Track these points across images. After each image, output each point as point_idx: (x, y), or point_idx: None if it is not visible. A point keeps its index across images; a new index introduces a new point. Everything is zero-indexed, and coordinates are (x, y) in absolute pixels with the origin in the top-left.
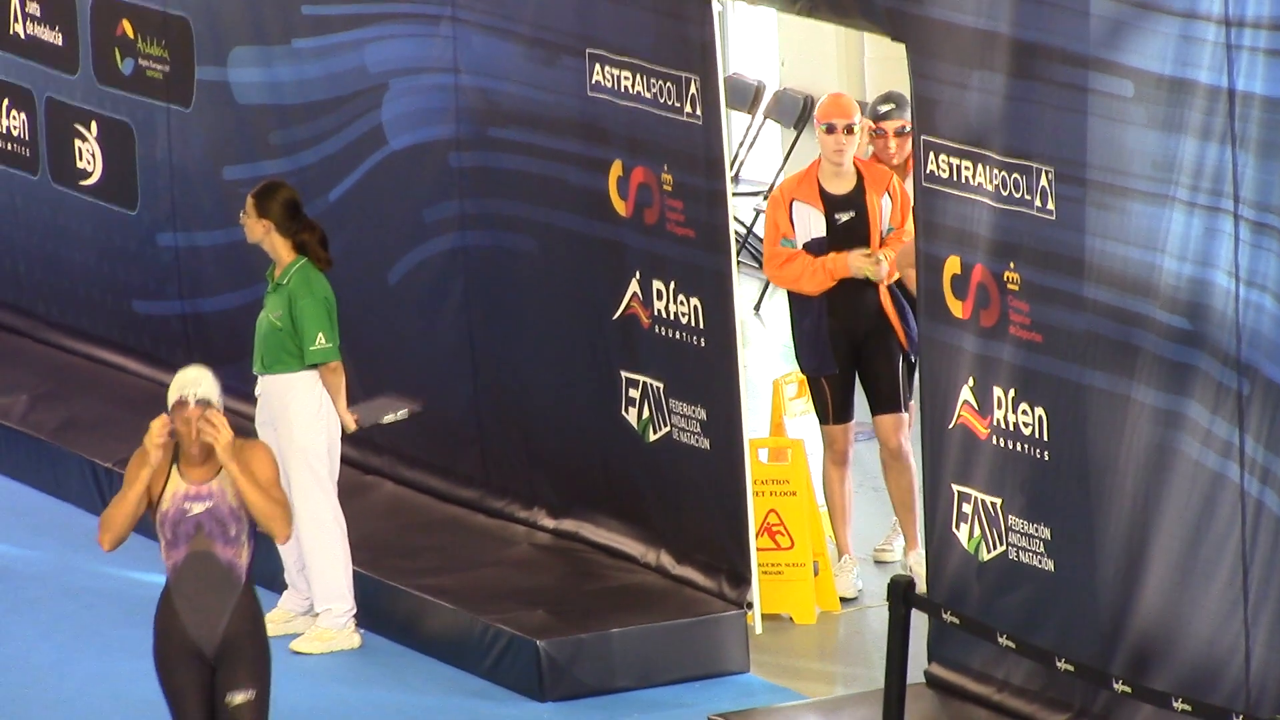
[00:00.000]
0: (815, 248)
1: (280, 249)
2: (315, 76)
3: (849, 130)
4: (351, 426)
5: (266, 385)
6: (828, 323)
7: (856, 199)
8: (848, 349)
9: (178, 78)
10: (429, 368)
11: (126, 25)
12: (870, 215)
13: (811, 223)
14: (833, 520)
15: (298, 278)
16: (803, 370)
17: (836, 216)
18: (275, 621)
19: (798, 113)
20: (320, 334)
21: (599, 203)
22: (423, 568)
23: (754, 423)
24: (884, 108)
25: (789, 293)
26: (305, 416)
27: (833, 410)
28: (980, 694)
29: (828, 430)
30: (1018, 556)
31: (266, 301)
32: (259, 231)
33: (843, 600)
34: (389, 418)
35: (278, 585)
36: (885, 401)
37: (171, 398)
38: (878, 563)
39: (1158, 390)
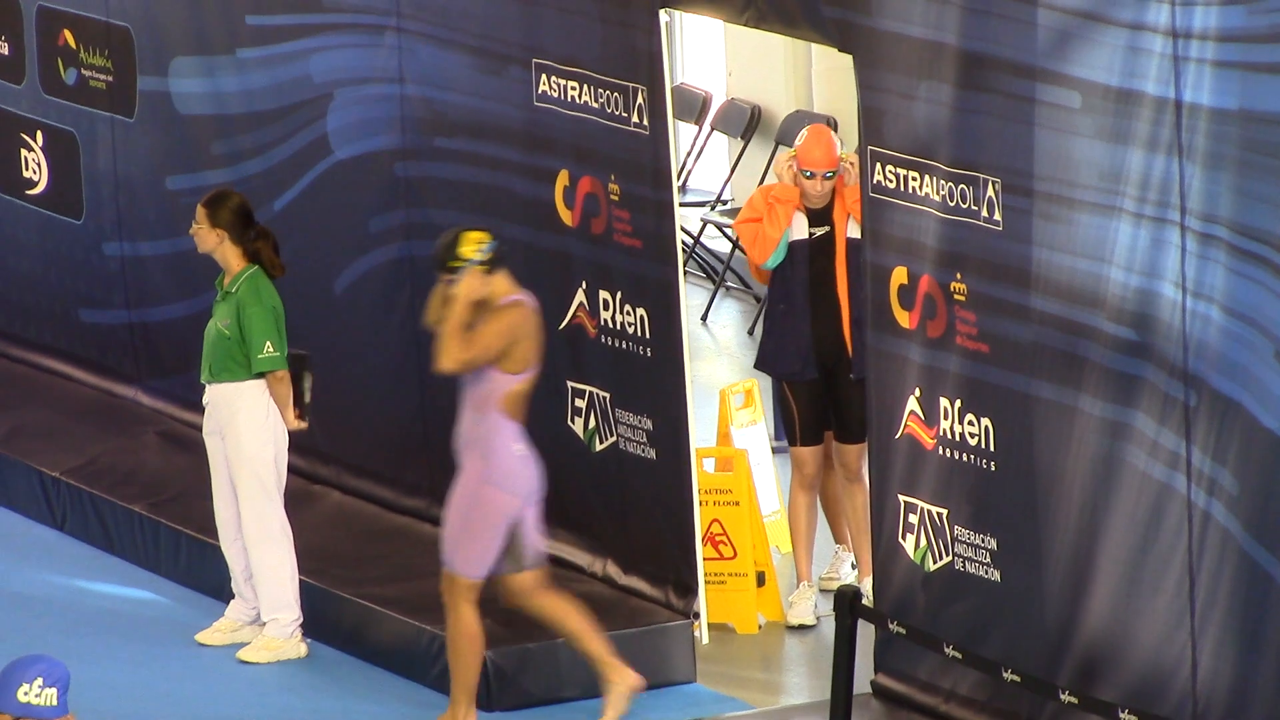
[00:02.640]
0: (799, 249)
1: (231, 257)
2: (259, 86)
3: (828, 178)
4: (301, 425)
5: (214, 394)
6: (809, 326)
7: (827, 214)
8: (824, 362)
9: (121, 88)
10: (375, 377)
11: (68, 35)
12: (836, 228)
13: (796, 224)
14: (794, 544)
15: (246, 286)
16: (778, 375)
17: (812, 230)
18: (222, 630)
19: (745, 123)
20: (268, 342)
21: (545, 213)
22: (369, 577)
23: (701, 433)
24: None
25: (769, 295)
26: (253, 425)
27: (801, 430)
28: (927, 704)
29: (796, 453)
30: (964, 567)
31: (215, 310)
32: (212, 241)
33: (801, 628)
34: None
35: (224, 594)
36: (855, 428)
37: None
38: (823, 591)
39: (1104, 401)
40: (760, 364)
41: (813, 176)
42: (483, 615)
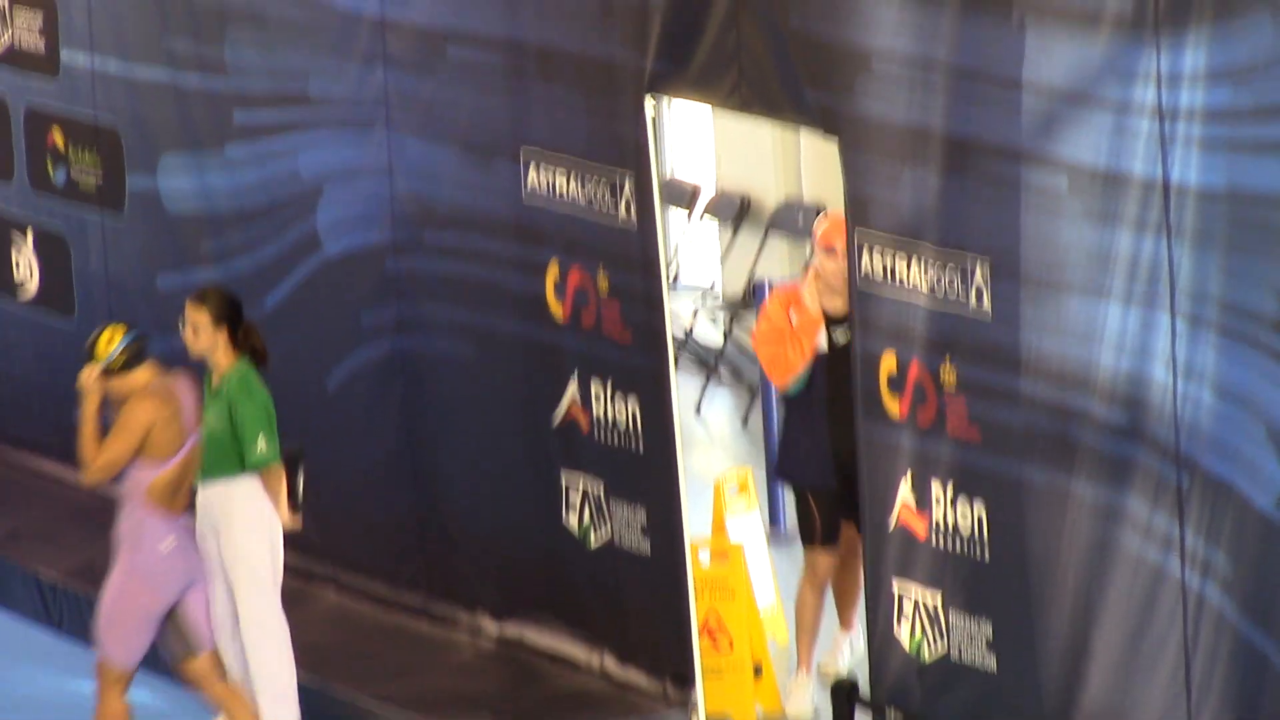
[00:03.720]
0: (819, 361)
1: (221, 355)
2: (248, 183)
3: None
4: (296, 523)
5: (207, 493)
6: (828, 434)
7: (846, 316)
8: (844, 469)
9: (110, 186)
10: (370, 474)
11: (57, 134)
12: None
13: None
14: (799, 636)
15: (236, 383)
16: (796, 482)
17: (834, 335)
18: None
19: (735, 212)
20: (261, 438)
21: (536, 306)
22: (367, 675)
23: (696, 523)
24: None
25: (786, 404)
26: (247, 523)
27: (821, 531)
28: None
29: (812, 554)
30: (960, 654)
31: (205, 408)
32: (211, 340)
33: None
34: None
35: None
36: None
37: None
38: (822, 675)
39: (1097, 484)
40: (781, 472)
41: (833, 252)
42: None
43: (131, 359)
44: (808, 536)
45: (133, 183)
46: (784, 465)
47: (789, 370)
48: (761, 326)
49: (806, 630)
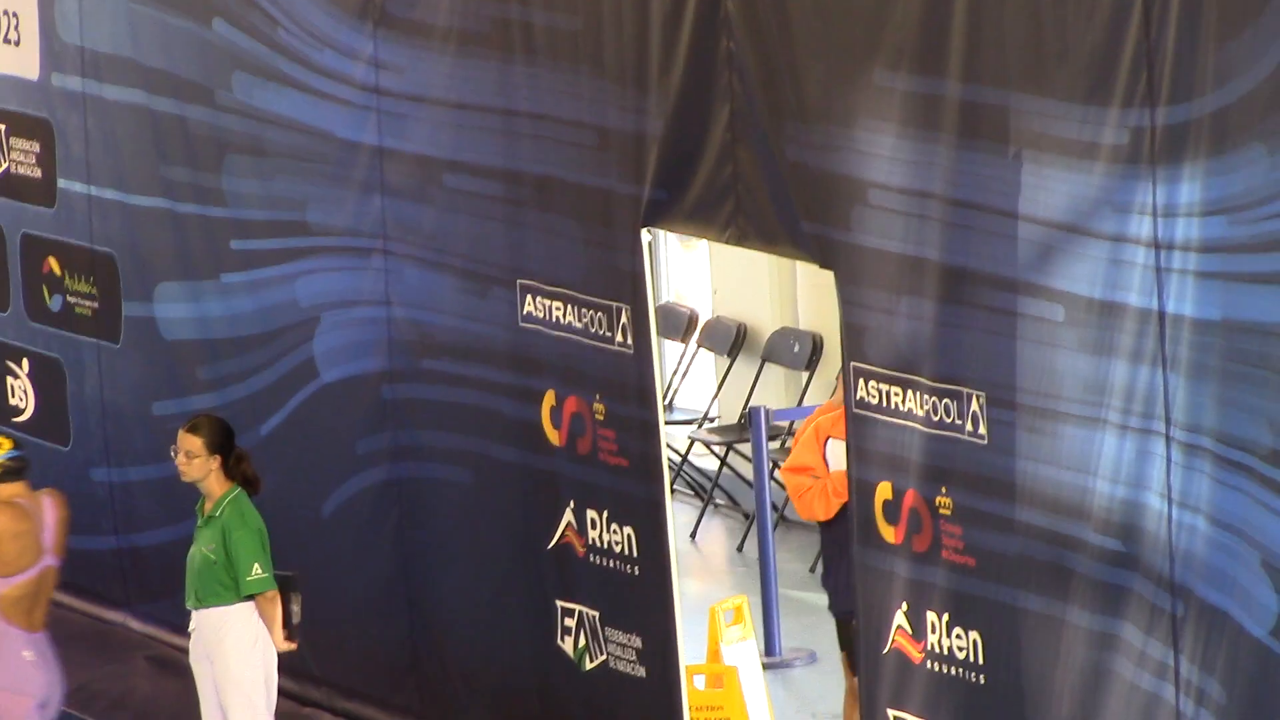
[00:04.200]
0: None
1: (215, 482)
2: (245, 311)
3: None
4: (290, 646)
5: (201, 619)
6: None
7: None
8: None
9: (106, 314)
10: (364, 599)
11: (53, 262)
12: None
13: (843, 460)
14: None
15: (231, 510)
16: (837, 612)
17: None
18: None
19: (731, 340)
20: (256, 564)
21: (532, 433)
22: None
23: (691, 650)
24: None
25: (823, 532)
26: (242, 649)
27: (853, 657)
28: None
29: (852, 680)
30: None
31: (198, 535)
32: (205, 468)
33: None
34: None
35: None
36: None
37: None
38: None
39: (1092, 612)
40: (830, 604)
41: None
42: None
43: (5, 474)
44: (852, 664)
45: (129, 310)
46: (829, 595)
47: (818, 506)
48: (796, 456)
49: None
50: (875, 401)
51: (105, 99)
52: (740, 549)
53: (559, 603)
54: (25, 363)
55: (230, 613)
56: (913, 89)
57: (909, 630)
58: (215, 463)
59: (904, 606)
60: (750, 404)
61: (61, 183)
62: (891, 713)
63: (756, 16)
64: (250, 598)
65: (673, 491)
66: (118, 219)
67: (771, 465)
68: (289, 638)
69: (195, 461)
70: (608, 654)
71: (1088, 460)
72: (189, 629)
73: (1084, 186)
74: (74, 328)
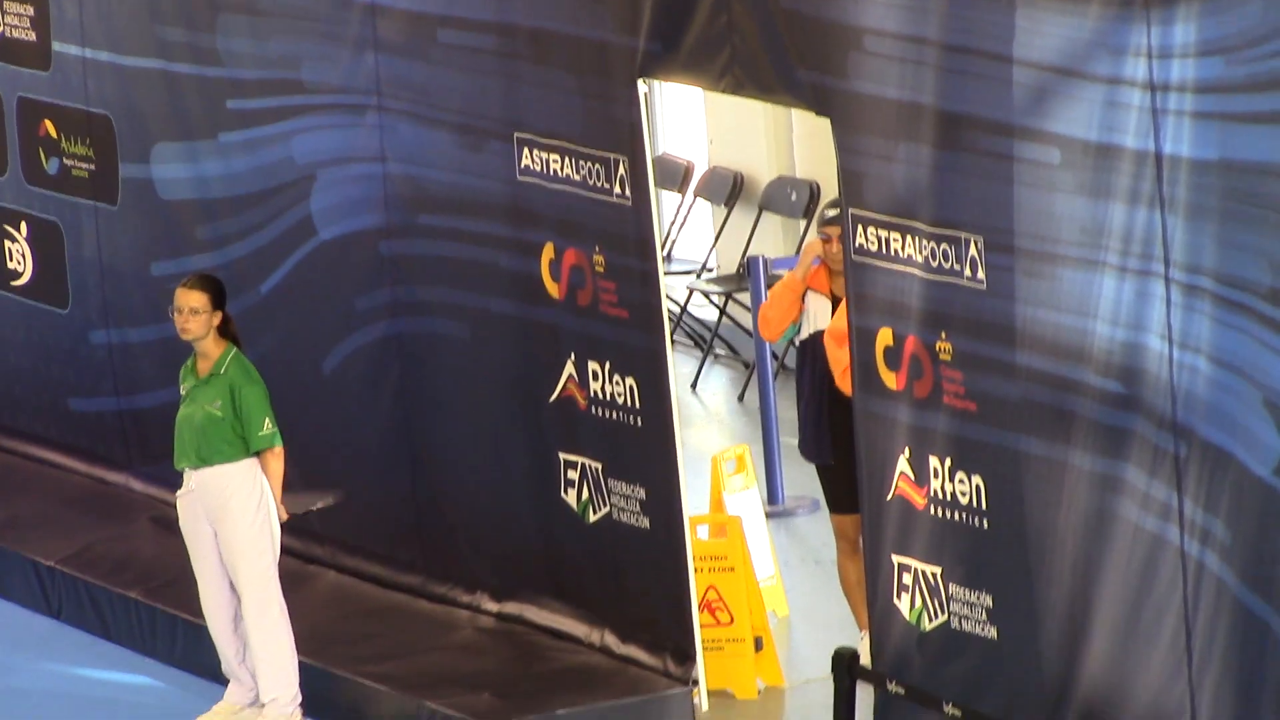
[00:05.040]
0: (819, 340)
1: (214, 341)
2: (242, 170)
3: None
4: (284, 515)
5: (204, 479)
6: (828, 412)
7: None
8: (848, 440)
9: (103, 175)
10: (366, 456)
11: (49, 125)
12: None
13: (818, 315)
14: (851, 602)
15: (235, 367)
16: (809, 459)
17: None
18: (221, 714)
19: (728, 191)
20: (266, 419)
21: (532, 286)
22: (367, 655)
23: (694, 500)
24: (830, 213)
25: (797, 377)
26: (250, 506)
27: (831, 500)
28: None
29: (833, 519)
30: (960, 625)
31: (194, 395)
32: (209, 324)
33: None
34: (315, 506)
35: (222, 678)
36: None
37: None
38: None
39: (1094, 455)
40: (800, 449)
41: (829, 239)
42: (482, 687)
43: None
44: (828, 503)
45: (126, 171)
46: (800, 444)
47: (767, 327)
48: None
49: (853, 594)
50: (874, 248)
51: None
52: (741, 398)
53: (562, 455)
54: (23, 226)
55: (237, 470)
56: None
57: (912, 476)
58: (217, 319)
59: (906, 453)
60: (748, 253)
61: (56, 45)
62: (896, 559)
63: None
64: (257, 454)
65: (673, 342)
66: (113, 81)
67: None
68: (289, 513)
69: (200, 318)
70: (611, 506)
71: (1087, 303)
72: (180, 492)
73: (1078, 29)
74: (71, 190)
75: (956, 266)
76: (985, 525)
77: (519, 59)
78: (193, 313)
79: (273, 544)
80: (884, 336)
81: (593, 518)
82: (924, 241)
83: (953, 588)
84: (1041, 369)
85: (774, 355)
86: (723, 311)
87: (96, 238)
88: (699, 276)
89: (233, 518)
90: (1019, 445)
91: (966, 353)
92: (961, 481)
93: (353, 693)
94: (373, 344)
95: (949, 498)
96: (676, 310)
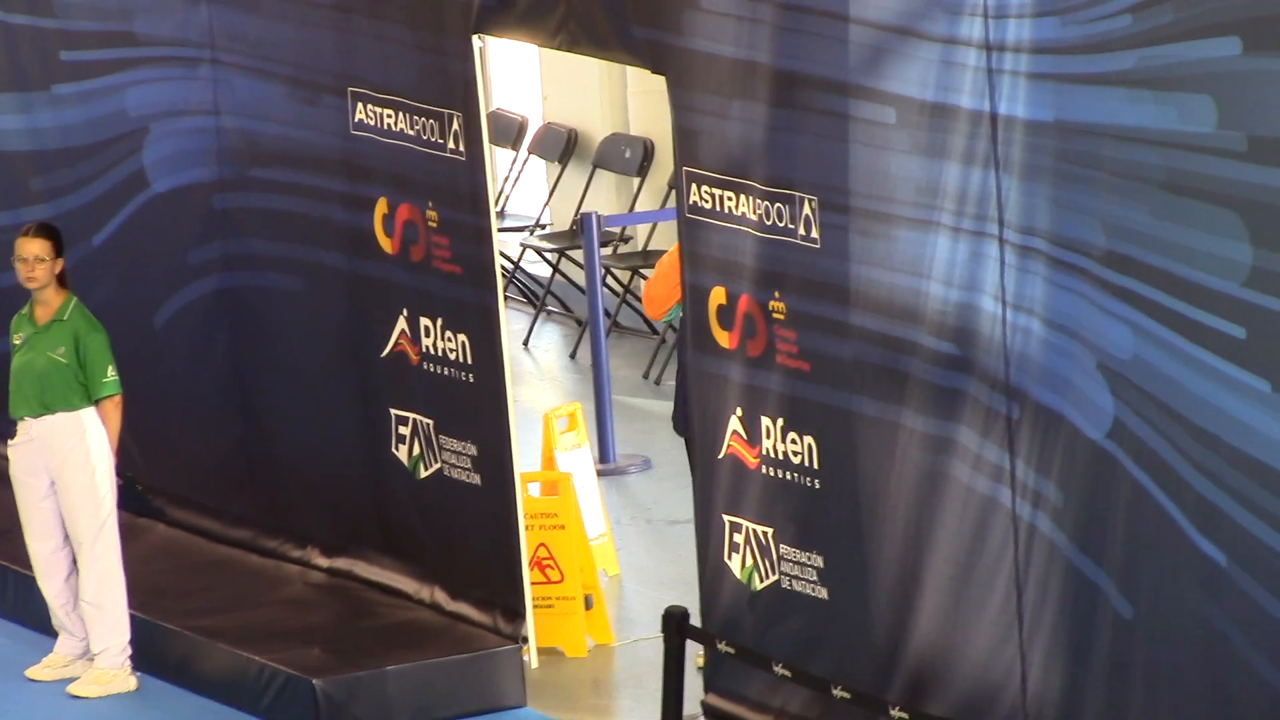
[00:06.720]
0: None
1: (53, 290)
2: (76, 122)
3: None
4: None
5: (46, 428)
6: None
7: None
8: None
9: None
10: (198, 409)
11: None
12: None
13: None
14: None
15: (77, 314)
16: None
17: None
18: (52, 666)
19: (562, 147)
20: (109, 366)
21: (365, 241)
22: (197, 609)
23: (526, 457)
24: None
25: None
26: (91, 455)
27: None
28: None
29: None
30: (791, 585)
31: (32, 343)
32: (53, 271)
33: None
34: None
35: (51, 631)
36: None
37: None
38: None
39: (927, 416)
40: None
41: None
42: (311, 642)
43: None
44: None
45: None
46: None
47: (651, 305)
48: (654, 272)
49: None
50: (708, 206)
51: None
52: (573, 356)
53: (393, 411)
54: None
55: (79, 418)
56: None
57: (744, 435)
58: (59, 267)
59: (739, 412)
60: (582, 210)
61: None
62: (727, 518)
63: None
64: (96, 404)
65: (505, 299)
66: None
67: (604, 271)
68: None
69: (44, 265)
70: (442, 462)
71: (921, 263)
72: (13, 442)
73: None
74: None
75: (790, 225)
76: (817, 485)
77: (354, 13)
78: (38, 260)
79: (111, 493)
80: (717, 295)
81: (424, 474)
82: (758, 200)
83: (784, 548)
84: (875, 329)
85: (606, 313)
86: (555, 268)
87: None
88: (532, 233)
89: (74, 467)
90: (851, 405)
91: (800, 312)
92: (794, 441)
93: (183, 646)
94: (205, 298)
95: (781, 457)
96: (510, 267)
